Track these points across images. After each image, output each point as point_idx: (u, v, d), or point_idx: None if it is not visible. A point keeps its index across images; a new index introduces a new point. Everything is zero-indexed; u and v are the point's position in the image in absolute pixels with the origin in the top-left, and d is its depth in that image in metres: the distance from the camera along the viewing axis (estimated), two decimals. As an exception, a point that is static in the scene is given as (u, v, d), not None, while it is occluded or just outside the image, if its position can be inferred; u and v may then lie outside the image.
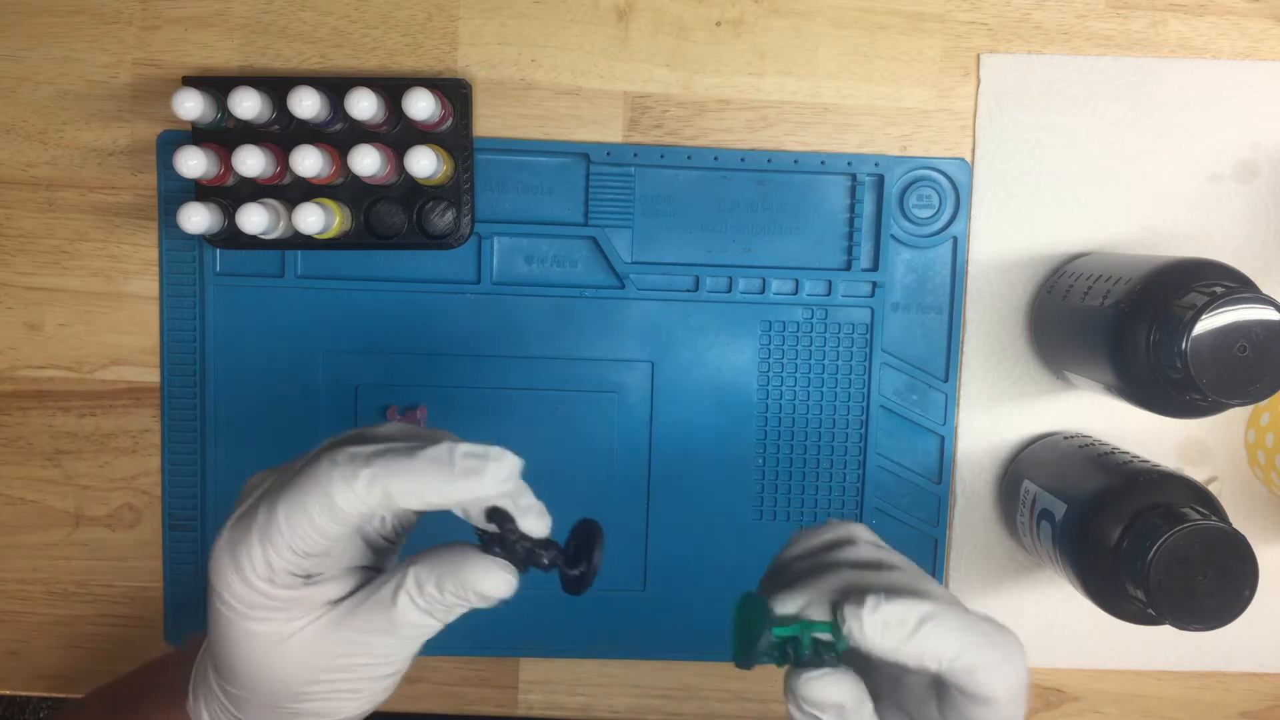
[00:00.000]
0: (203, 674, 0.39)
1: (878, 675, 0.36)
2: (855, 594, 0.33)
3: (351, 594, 0.36)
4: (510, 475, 0.33)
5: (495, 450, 0.33)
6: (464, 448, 0.33)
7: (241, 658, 0.35)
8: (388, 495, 0.32)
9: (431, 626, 0.36)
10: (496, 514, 0.34)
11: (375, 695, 0.38)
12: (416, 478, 0.32)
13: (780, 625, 0.33)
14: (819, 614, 0.34)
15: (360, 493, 0.32)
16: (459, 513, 0.35)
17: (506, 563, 0.34)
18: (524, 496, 0.35)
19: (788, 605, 0.34)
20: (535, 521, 0.35)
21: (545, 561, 0.35)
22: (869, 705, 0.34)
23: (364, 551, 0.37)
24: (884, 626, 0.32)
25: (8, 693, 0.56)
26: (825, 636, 0.33)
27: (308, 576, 0.34)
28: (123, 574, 0.55)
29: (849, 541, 0.38)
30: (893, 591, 0.33)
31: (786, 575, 0.37)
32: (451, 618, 0.36)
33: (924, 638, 0.32)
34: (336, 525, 0.33)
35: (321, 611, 0.35)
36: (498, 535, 0.34)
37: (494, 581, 0.34)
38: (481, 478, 0.33)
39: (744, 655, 0.34)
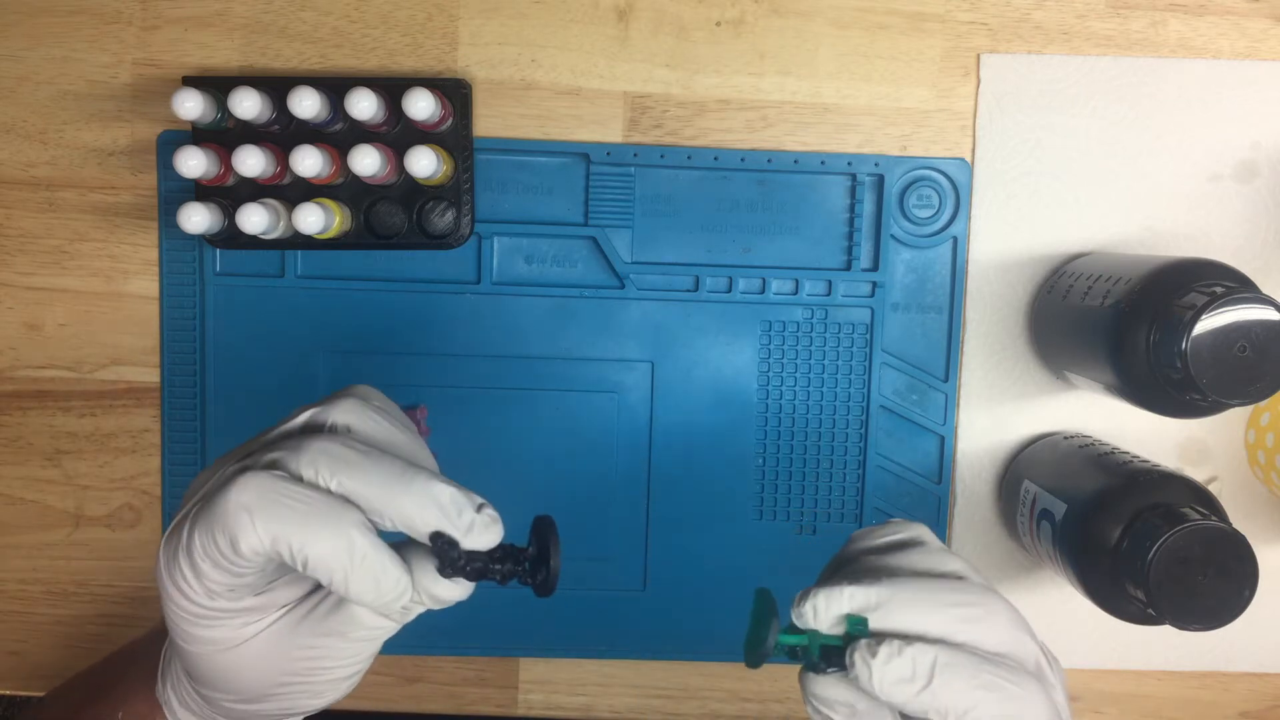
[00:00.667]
0: (171, 658, 0.39)
1: None
2: (871, 636, 0.32)
3: (309, 595, 0.35)
4: (417, 510, 0.31)
5: (442, 489, 0.31)
6: (467, 516, 0.32)
7: (196, 661, 0.35)
8: (289, 548, 0.31)
9: (388, 628, 0.35)
10: (438, 539, 0.32)
11: (337, 693, 0.37)
12: (324, 551, 0.31)
13: (790, 634, 0.33)
14: (834, 627, 0.33)
15: (263, 540, 0.31)
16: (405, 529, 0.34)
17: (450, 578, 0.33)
18: (463, 514, 0.32)
19: (805, 615, 0.33)
20: (480, 537, 0.32)
21: (499, 579, 0.33)
22: (886, 714, 0.33)
23: None
24: (895, 682, 0.31)
25: (8, 693, 0.56)
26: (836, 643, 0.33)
27: (253, 589, 0.33)
28: (123, 574, 0.55)
29: (916, 544, 0.36)
30: (924, 619, 0.32)
31: (841, 574, 0.36)
32: (408, 619, 0.35)
33: (932, 694, 0.31)
34: (247, 565, 0.32)
35: (277, 615, 0.34)
36: (445, 555, 0.33)
37: (447, 586, 0.33)
38: (381, 524, 0.31)
39: (751, 656, 0.33)
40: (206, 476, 0.34)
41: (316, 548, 0.31)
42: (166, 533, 0.33)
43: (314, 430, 0.35)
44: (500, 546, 0.33)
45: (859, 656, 0.32)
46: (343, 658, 0.35)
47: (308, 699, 0.36)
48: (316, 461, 0.32)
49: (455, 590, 0.33)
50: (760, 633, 0.33)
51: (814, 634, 0.33)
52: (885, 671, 0.31)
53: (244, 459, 0.33)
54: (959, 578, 0.35)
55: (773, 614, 0.33)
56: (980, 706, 0.31)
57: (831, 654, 0.33)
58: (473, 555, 0.33)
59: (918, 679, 0.31)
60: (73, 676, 0.47)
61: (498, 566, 0.33)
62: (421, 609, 0.34)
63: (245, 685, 0.35)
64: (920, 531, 0.37)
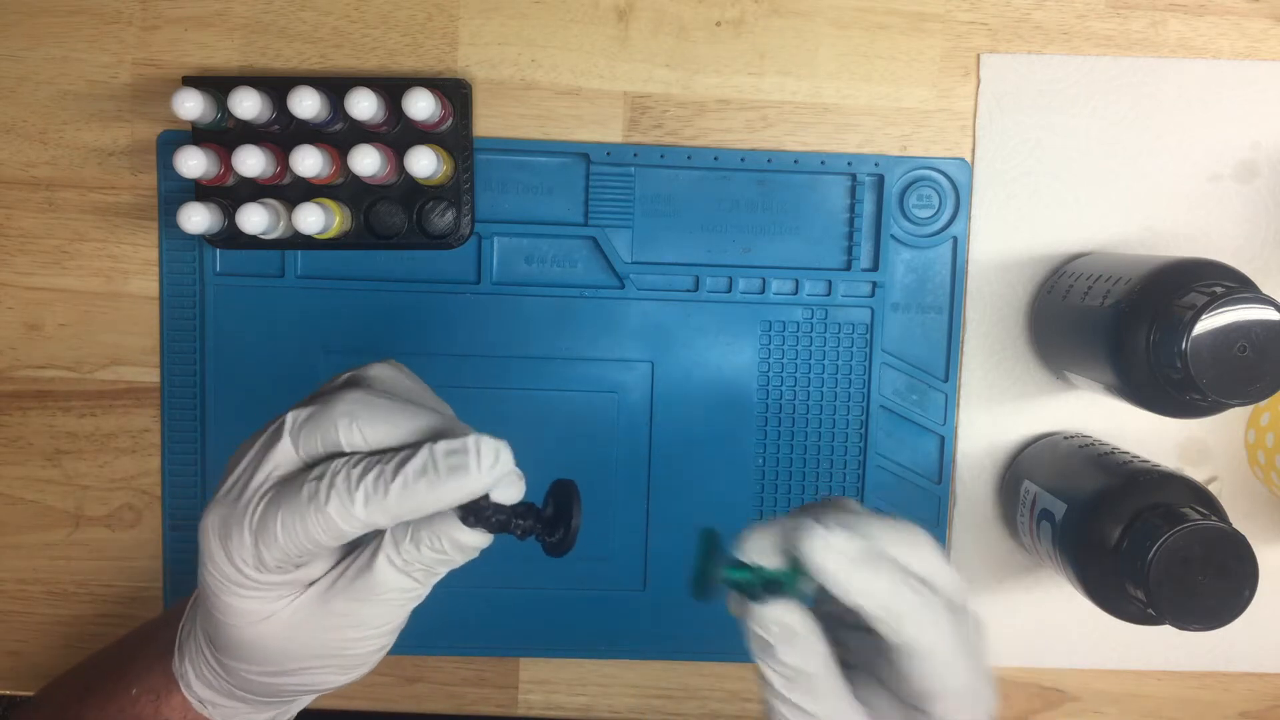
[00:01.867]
0: (190, 633, 0.39)
1: (858, 644, 0.36)
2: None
3: (333, 568, 0.36)
4: (495, 462, 0.33)
5: (473, 440, 0.33)
6: (443, 446, 0.33)
7: (226, 632, 0.36)
8: (386, 515, 0.33)
9: (413, 589, 0.36)
10: None
11: (362, 668, 0.38)
12: (410, 496, 0.33)
13: (734, 568, 0.34)
14: (774, 563, 0.34)
15: (360, 516, 0.33)
16: None
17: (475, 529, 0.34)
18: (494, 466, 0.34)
19: (750, 550, 0.34)
20: (507, 490, 0.34)
21: (519, 533, 0.35)
22: (822, 642, 0.34)
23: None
24: (836, 552, 0.32)
25: (8, 693, 0.56)
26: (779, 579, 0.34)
27: (297, 566, 0.35)
28: (123, 574, 0.55)
29: (846, 508, 0.37)
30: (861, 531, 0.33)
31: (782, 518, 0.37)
32: (433, 578, 0.36)
33: (864, 578, 0.32)
34: (334, 541, 0.33)
35: (303, 590, 0.36)
36: (472, 506, 0.34)
37: (470, 532, 0.34)
38: (468, 475, 0.33)
39: (697, 589, 0.34)
40: (247, 447, 0.35)
41: (405, 497, 0.33)
42: (218, 495, 0.35)
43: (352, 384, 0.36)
44: (523, 503, 0.35)
45: (804, 531, 0.33)
46: (369, 624, 0.36)
47: (333, 674, 0.37)
48: (352, 411, 0.34)
49: (478, 538, 0.34)
50: (707, 567, 0.34)
51: (759, 568, 0.34)
52: (830, 540, 0.32)
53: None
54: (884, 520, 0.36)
55: (719, 550, 0.34)
56: (902, 605, 0.32)
57: (773, 587, 0.34)
58: (498, 508, 0.34)
59: (848, 553, 0.32)
60: (82, 660, 0.47)
61: (520, 521, 0.35)
62: (445, 566, 0.35)
63: (273, 657, 0.36)
64: (851, 502, 0.39)
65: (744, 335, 0.54)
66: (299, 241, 0.51)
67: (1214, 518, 0.43)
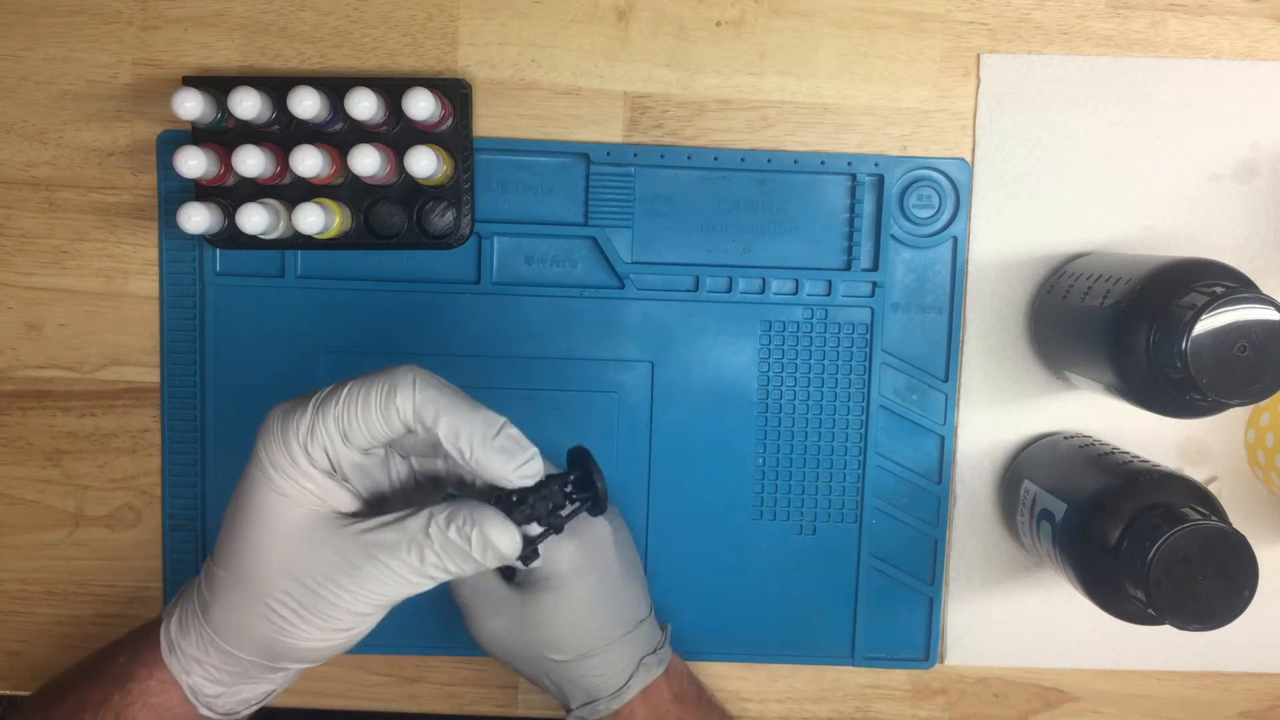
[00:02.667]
0: (191, 584, 0.42)
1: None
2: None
3: (357, 516, 0.39)
4: (530, 476, 0.38)
5: (531, 452, 0.38)
6: (511, 431, 0.38)
7: (247, 518, 0.38)
8: (435, 420, 0.37)
9: (416, 573, 0.38)
10: (496, 492, 0.39)
11: (335, 634, 0.39)
12: (465, 424, 0.37)
13: None
14: None
15: (417, 404, 0.37)
16: (466, 478, 0.41)
17: (515, 526, 0.38)
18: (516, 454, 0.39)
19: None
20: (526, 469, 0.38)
21: (552, 509, 0.40)
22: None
23: (375, 494, 0.41)
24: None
25: (8, 693, 0.56)
26: None
27: (335, 471, 0.38)
28: (123, 574, 0.55)
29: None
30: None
31: None
32: (437, 576, 0.38)
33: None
34: (384, 425, 0.37)
35: (328, 511, 0.38)
36: (506, 499, 0.39)
37: (503, 534, 0.37)
38: (509, 463, 0.37)
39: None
40: (297, 403, 0.39)
41: (462, 421, 0.37)
42: (285, 400, 0.39)
43: None
44: (546, 480, 0.39)
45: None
46: (363, 584, 0.37)
47: (308, 621, 0.38)
48: (415, 372, 0.38)
49: (509, 542, 0.37)
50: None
51: None
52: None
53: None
54: None
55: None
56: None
57: None
58: (537, 496, 0.39)
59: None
60: (63, 672, 0.47)
61: (551, 494, 0.39)
62: (458, 567, 0.38)
63: (275, 568, 0.38)
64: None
65: (744, 335, 0.54)
66: (299, 241, 0.51)
67: (1214, 518, 0.43)
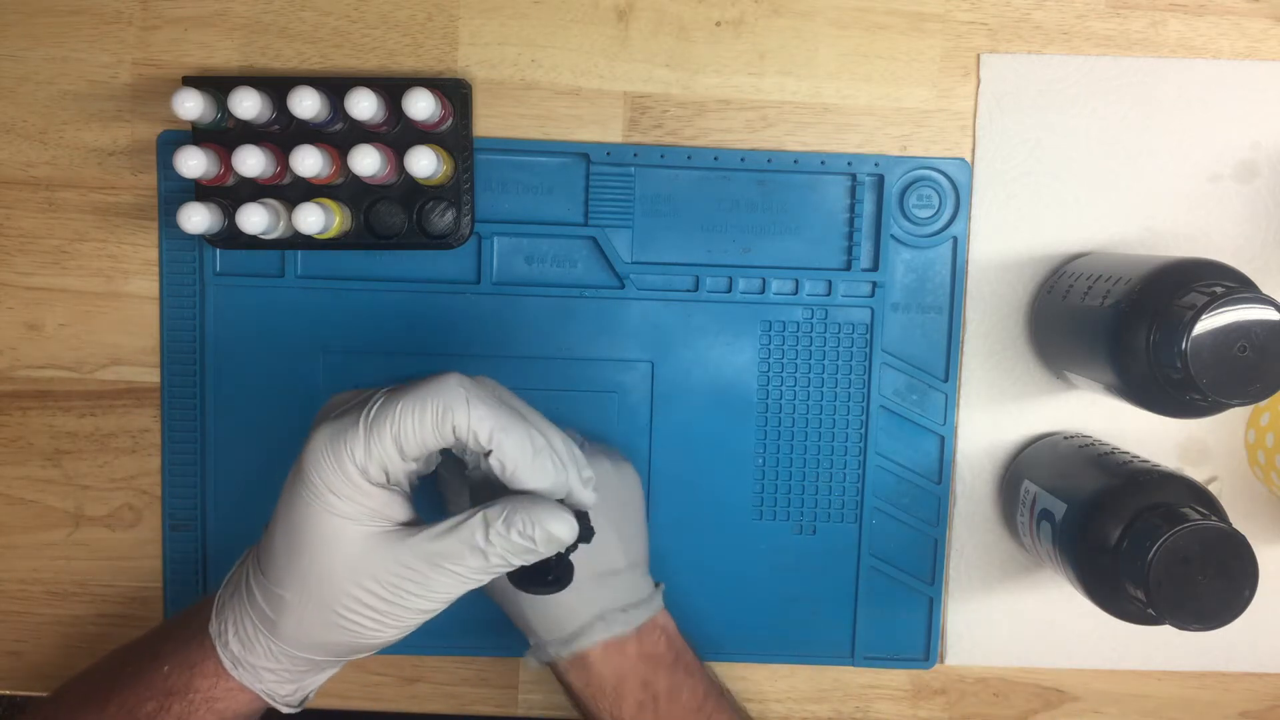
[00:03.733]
0: (235, 589, 0.41)
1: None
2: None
3: (413, 523, 0.39)
4: (587, 482, 0.40)
5: (587, 475, 0.39)
6: (559, 445, 0.39)
7: (306, 543, 0.38)
8: (487, 436, 0.37)
9: (479, 571, 0.38)
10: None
11: (399, 630, 0.40)
12: (516, 440, 0.38)
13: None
14: None
15: (473, 420, 0.37)
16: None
17: (568, 512, 0.38)
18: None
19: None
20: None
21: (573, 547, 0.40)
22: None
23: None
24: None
25: (8, 693, 0.56)
26: None
27: (390, 483, 0.38)
28: (123, 574, 0.55)
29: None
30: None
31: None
32: (499, 570, 0.39)
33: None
34: (438, 439, 0.37)
35: (387, 525, 0.38)
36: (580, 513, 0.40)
37: (561, 524, 0.38)
38: (554, 474, 0.39)
39: None
40: (350, 395, 0.40)
41: (514, 436, 0.37)
42: (329, 421, 0.38)
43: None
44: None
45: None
46: (427, 587, 0.38)
47: (375, 622, 0.39)
48: (465, 383, 0.38)
49: (566, 529, 0.38)
50: None
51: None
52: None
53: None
54: None
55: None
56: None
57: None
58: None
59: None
60: (103, 657, 0.47)
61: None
62: (519, 558, 0.38)
63: (338, 580, 0.38)
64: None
65: (744, 335, 0.54)
66: (299, 241, 0.51)
67: (1214, 518, 0.43)
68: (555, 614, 0.46)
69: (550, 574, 0.40)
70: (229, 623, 0.41)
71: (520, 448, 0.37)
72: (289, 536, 0.39)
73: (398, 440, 0.37)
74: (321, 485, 0.38)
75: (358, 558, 0.38)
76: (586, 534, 0.39)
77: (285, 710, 0.43)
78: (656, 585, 0.50)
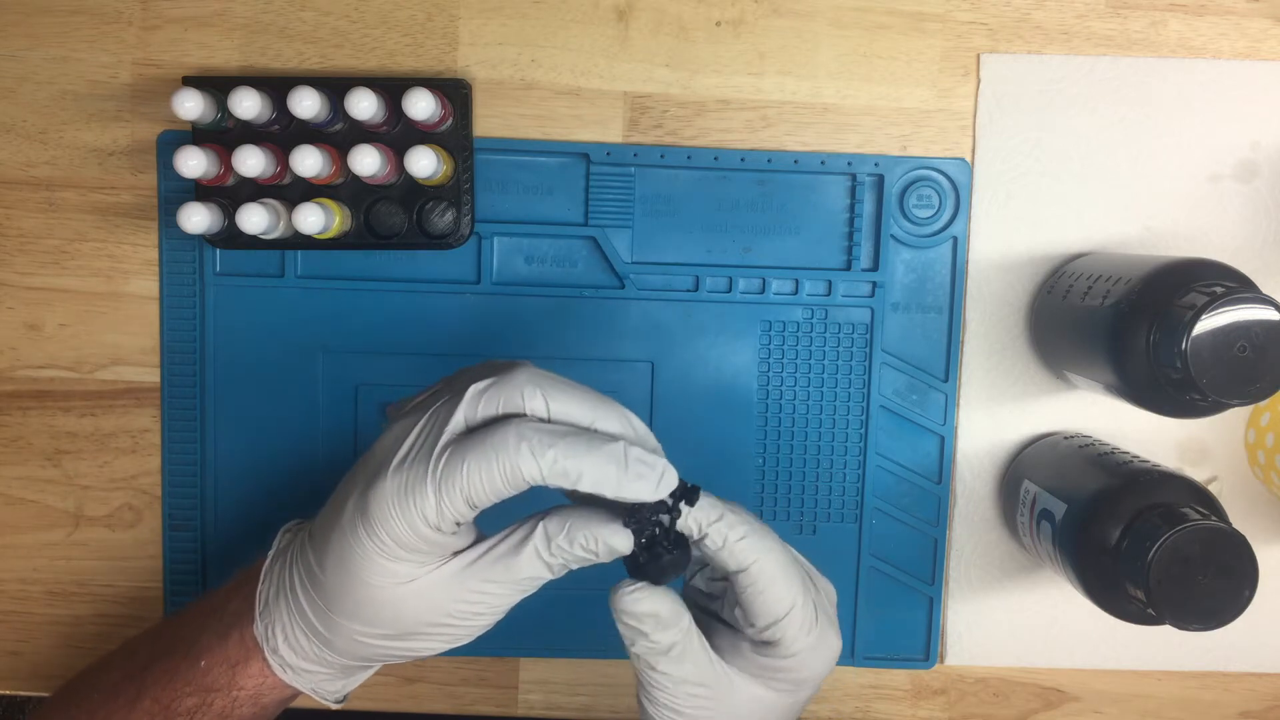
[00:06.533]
0: (279, 596, 0.41)
1: (716, 603, 0.43)
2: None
3: (475, 544, 0.39)
4: (669, 488, 0.37)
5: (663, 464, 0.37)
6: (636, 453, 0.36)
7: (362, 594, 0.38)
8: (565, 477, 0.36)
9: (544, 579, 0.39)
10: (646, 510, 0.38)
11: (464, 640, 0.40)
12: (596, 470, 0.36)
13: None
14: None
15: (545, 469, 0.36)
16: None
17: (623, 525, 0.38)
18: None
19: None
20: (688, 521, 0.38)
21: (654, 551, 0.38)
22: (685, 615, 0.39)
23: None
24: (706, 512, 0.38)
25: (8, 693, 0.56)
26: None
27: (461, 527, 0.38)
28: (123, 574, 0.55)
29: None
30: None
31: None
32: (564, 571, 0.39)
33: (716, 526, 0.38)
34: (512, 490, 0.36)
35: (445, 559, 0.38)
36: (635, 512, 0.38)
37: (623, 540, 0.37)
38: (647, 485, 0.36)
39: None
40: (412, 419, 0.38)
41: (591, 468, 0.36)
42: (389, 469, 0.37)
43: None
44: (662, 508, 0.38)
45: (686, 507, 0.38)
46: (492, 603, 0.39)
47: (440, 641, 0.40)
48: (537, 380, 0.38)
49: (626, 541, 0.38)
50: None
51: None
52: (702, 508, 0.38)
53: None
54: None
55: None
56: (739, 535, 0.38)
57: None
58: (657, 519, 0.38)
59: (717, 518, 0.38)
60: (131, 639, 0.46)
61: (663, 539, 0.38)
62: (582, 563, 0.38)
63: (401, 620, 0.38)
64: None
65: (744, 335, 0.54)
66: (299, 241, 0.51)
67: (1214, 518, 0.43)
68: None
69: (663, 553, 0.38)
70: (277, 629, 0.41)
71: (604, 472, 0.36)
72: (348, 575, 0.38)
73: (468, 498, 0.36)
74: (391, 542, 0.37)
75: (425, 594, 0.38)
76: (691, 496, 0.38)
77: (332, 706, 0.43)
78: None
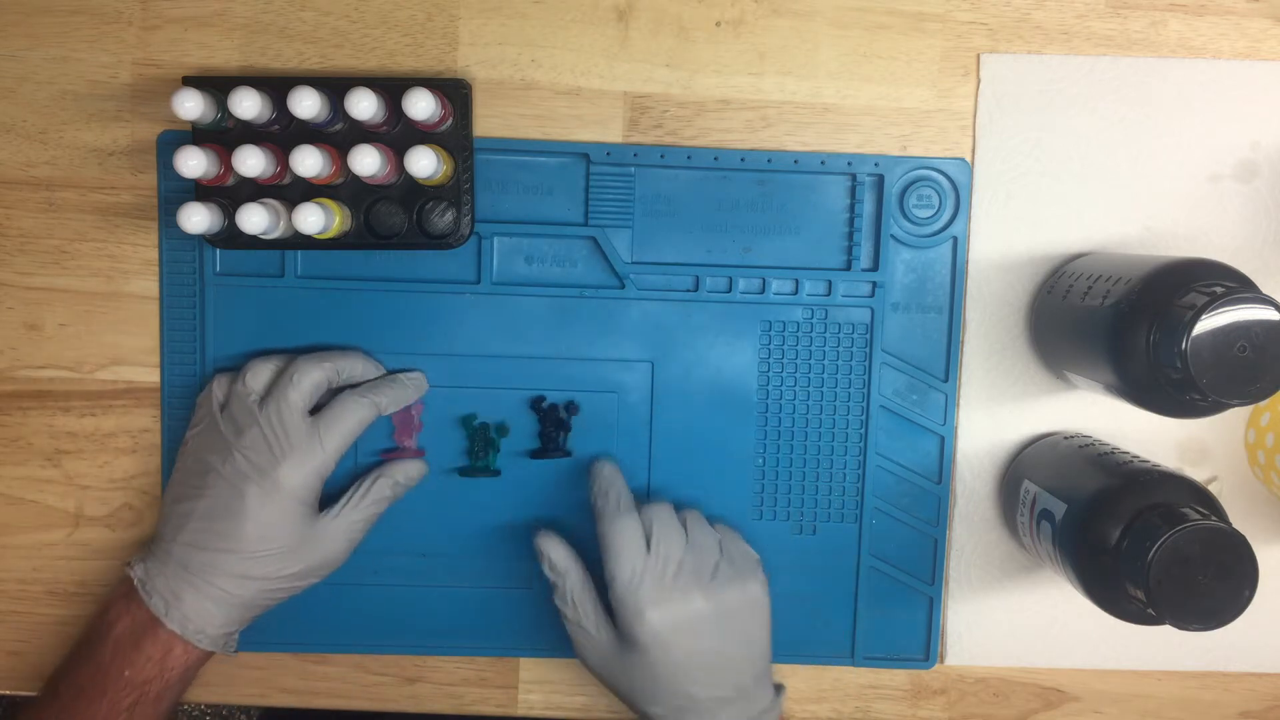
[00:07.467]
0: (165, 560, 0.49)
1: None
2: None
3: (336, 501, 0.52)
4: (420, 391, 0.54)
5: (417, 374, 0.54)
6: (403, 377, 0.53)
7: (289, 541, 0.50)
8: (335, 371, 0.51)
9: (390, 497, 0.53)
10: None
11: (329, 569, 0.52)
12: (398, 394, 0.53)
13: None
14: None
15: (382, 405, 0.52)
16: None
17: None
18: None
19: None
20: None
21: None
22: (576, 567, 0.50)
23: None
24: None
25: (8, 693, 0.56)
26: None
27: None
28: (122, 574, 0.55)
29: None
30: None
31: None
32: (400, 493, 0.53)
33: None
34: (367, 425, 0.52)
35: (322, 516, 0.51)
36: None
37: (415, 466, 0.53)
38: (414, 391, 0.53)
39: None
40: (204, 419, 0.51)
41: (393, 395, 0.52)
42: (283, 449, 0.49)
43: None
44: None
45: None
46: (360, 532, 0.52)
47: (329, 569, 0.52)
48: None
49: (416, 470, 0.53)
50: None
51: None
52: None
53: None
54: None
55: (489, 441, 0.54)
56: (600, 506, 0.51)
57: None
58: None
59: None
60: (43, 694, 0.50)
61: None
62: (403, 487, 0.53)
63: (311, 558, 0.51)
64: None
65: (744, 335, 0.54)
66: (299, 241, 0.51)
67: (1214, 518, 0.43)
68: None
69: (551, 446, 0.54)
70: (171, 604, 0.49)
71: (401, 396, 0.53)
72: (269, 529, 0.49)
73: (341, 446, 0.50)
74: (307, 494, 0.50)
75: (331, 534, 0.51)
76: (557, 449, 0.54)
77: (225, 651, 0.51)
78: (778, 689, 0.52)
